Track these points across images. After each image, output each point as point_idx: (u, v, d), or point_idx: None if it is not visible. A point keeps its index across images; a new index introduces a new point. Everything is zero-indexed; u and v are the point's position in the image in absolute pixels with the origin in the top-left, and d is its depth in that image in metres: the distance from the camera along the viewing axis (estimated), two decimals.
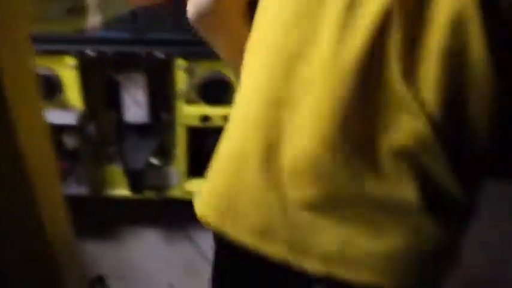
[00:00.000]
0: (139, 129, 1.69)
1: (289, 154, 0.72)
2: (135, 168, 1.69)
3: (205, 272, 1.80)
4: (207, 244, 1.91)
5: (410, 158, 0.68)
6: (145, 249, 1.87)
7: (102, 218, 1.91)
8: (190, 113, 1.59)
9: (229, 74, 1.56)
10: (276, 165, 0.72)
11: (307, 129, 0.70)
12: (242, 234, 0.76)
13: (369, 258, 0.71)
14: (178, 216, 1.98)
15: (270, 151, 0.73)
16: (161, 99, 1.65)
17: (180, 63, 1.54)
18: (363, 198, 0.70)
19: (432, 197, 0.69)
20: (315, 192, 0.71)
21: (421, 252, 0.72)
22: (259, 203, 0.74)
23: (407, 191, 0.68)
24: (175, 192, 1.76)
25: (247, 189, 0.75)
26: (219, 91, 1.57)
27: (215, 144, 1.82)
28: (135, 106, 1.63)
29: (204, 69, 1.56)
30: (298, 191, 0.72)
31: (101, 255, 1.83)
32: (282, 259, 0.74)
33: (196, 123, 1.59)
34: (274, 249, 0.74)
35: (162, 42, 1.57)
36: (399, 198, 0.69)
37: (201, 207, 0.84)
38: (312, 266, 0.73)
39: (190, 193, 1.74)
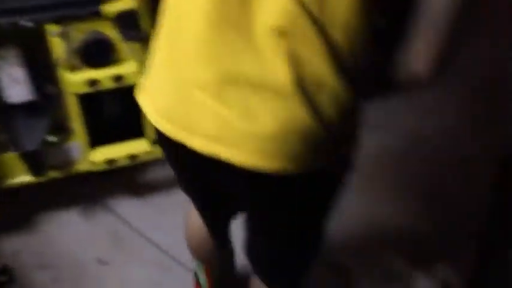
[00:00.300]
0: (27, 109, 1.57)
1: (184, 38, 0.77)
2: (32, 150, 1.59)
3: (132, 238, 1.79)
4: (127, 211, 1.88)
5: (283, 38, 0.70)
6: (66, 231, 1.80)
7: (13, 210, 1.79)
8: (75, 80, 1.48)
9: (108, 32, 1.47)
10: (177, 49, 0.79)
11: (195, 12, 0.75)
12: (152, 114, 0.84)
13: (245, 139, 0.75)
14: (93, 189, 1.91)
15: (175, 38, 0.79)
16: (42, 72, 1.53)
17: (52, 29, 1.42)
18: (243, 79, 0.73)
19: (306, 82, 0.72)
20: (203, 73, 0.75)
21: (295, 137, 0.74)
22: (166, 86, 0.81)
23: (280, 72, 0.71)
24: (81, 167, 1.68)
25: (160, 74, 0.83)
26: (101, 52, 1.47)
27: (111, 107, 1.76)
28: (14, 84, 1.50)
29: (80, 32, 1.45)
30: (191, 72, 0.77)
31: (20, 247, 1.73)
32: (177, 138, 0.80)
33: (84, 89, 1.50)
34: (171, 129, 0.80)
35: (27, 9, 1.43)
36: (273, 80, 0.72)
37: (138, 90, 0.91)
38: (199, 145, 0.77)
39: (97, 164, 1.67)
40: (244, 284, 1.51)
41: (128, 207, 1.87)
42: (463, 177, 2.01)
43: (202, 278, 1.46)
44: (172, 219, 1.82)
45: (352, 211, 1.81)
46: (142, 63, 1.47)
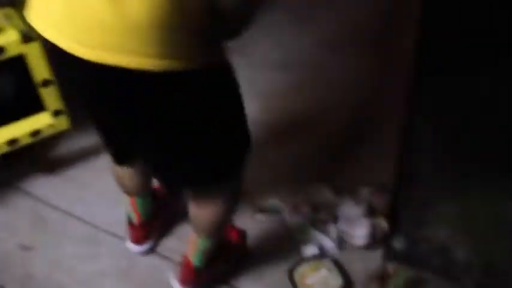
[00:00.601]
0: None
1: None
2: None
3: (54, 217, 1.71)
4: (44, 190, 1.78)
5: None
6: None
7: None
8: None
9: None
10: None
11: None
12: (35, 22, 0.92)
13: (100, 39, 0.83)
14: (1, 174, 1.79)
15: None
16: None
17: None
18: None
19: None
20: None
21: (133, 32, 0.81)
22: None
23: None
24: None
25: None
26: None
27: (1, 84, 1.62)
28: None
29: None
30: None
31: None
32: (61, 44, 0.89)
33: None
34: (48, 33, 0.90)
35: None
36: None
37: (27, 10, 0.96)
38: (65, 45, 0.88)
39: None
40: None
41: (43, 186, 1.77)
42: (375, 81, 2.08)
43: (132, 213, 1.53)
44: (91, 190, 1.75)
45: (266, 150, 1.83)
46: (22, 30, 1.34)
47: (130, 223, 1.55)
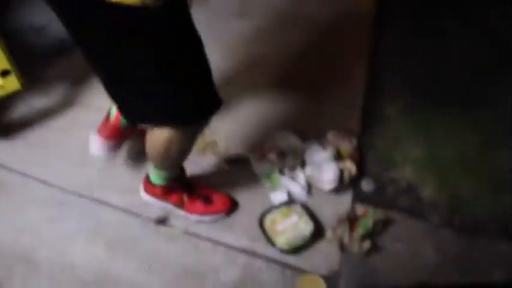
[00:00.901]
0: None
1: None
2: None
3: (15, 182, 1.64)
4: (1, 155, 1.71)
5: None
6: None
7: None
8: None
9: None
10: None
11: None
12: None
13: None
14: None
15: None
16: None
17: None
18: None
19: None
20: None
21: None
22: None
23: None
24: None
25: None
26: None
27: None
28: None
29: None
30: None
31: None
32: None
33: None
34: None
35: None
36: None
37: None
38: None
39: None
40: None
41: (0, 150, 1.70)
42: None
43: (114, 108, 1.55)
44: (51, 152, 1.70)
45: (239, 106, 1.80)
46: None
47: (107, 119, 1.56)
